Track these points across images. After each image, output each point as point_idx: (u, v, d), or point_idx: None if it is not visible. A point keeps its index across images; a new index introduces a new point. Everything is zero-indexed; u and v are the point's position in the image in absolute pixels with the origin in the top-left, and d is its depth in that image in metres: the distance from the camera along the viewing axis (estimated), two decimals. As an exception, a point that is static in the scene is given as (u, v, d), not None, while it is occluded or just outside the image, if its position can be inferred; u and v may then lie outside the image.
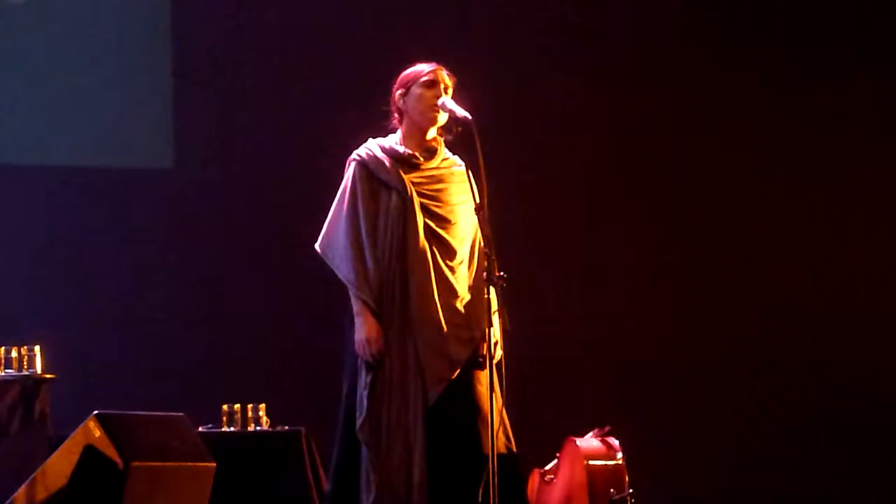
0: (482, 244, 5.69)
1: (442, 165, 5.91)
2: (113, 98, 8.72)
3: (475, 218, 5.70)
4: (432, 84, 5.84)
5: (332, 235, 5.86)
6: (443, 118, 5.85)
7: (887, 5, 9.08)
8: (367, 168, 5.86)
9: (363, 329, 5.72)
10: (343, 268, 5.79)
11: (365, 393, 5.71)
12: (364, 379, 5.72)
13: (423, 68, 5.90)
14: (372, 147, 5.90)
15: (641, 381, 8.75)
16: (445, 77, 5.88)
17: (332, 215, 5.88)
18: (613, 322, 8.82)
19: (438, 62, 5.92)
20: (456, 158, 5.90)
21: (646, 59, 9.04)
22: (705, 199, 8.98)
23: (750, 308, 8.92)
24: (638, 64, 9.03)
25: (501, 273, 5.63)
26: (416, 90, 5.87)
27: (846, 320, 8.87)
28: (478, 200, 5.66)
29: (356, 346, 5.74)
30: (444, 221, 5.84)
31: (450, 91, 5.87)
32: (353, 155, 5.91)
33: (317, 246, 5.89)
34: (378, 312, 5.75)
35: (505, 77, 8.87)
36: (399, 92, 5.91)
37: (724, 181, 8.99)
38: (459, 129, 5.78)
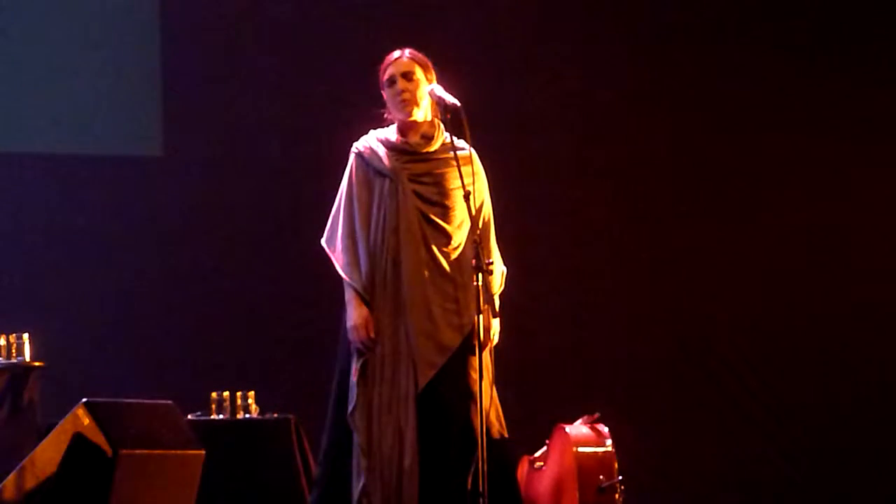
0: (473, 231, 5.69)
1: (440, 150, 5.91)
2: (102, 86, 8.70)
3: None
4: (391, 82, 5.89)
5: (332, 228, 5.92)
6: (418, 108, 5.86)
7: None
8: (363, 158, 5.91)
9: (353, 316, 5.75)
10: (338, 258, 5.84)
11: (355, 379, 5.73)
12: (355, 365, 5.74)
13: (385, 63, 5.94)
14: (369, 138, 5.96)
15: (631, 368, 8.76)
16: (403, 64, 5.89)
17: (334, 209, 5.95)
18: (606, 309, 8.83)
19: (431, 48, 5.94)
20: (457, 142, 5.87)
21: (648, 53, 9.04)
22: (703, 192, 8.98)
23: (743, 298, 8.93)
24: (640, 56, 9.03)
25: (490, 260, 5.65)
26: (385, 91, 5.92)
27: (843, 313, 8.88)
28: (466, 187, 5.66)
29: (347, 332, 5.77)
30: (439, 207, 5.84)
31: (416, 74, 5.87)
32: (353, 147, 5.96)
33: (322, 241, 5.92)
34: (368, 300, 5.77)
35: (503, 67, 8.89)
36: (383, 92, 5.95)
37: (722, 174, 8.99)
38: (448, 115, 5.78)
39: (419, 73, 5.90)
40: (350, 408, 5.72)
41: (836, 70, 9.02)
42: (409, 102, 5.86)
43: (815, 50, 9.05)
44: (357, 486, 5.69)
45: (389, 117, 5.98)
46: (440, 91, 5.83)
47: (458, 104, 5.73)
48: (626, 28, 9.06)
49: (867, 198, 9.00)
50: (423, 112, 5.90)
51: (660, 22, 9.07)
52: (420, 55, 5.94)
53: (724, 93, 9.05)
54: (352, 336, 5.75)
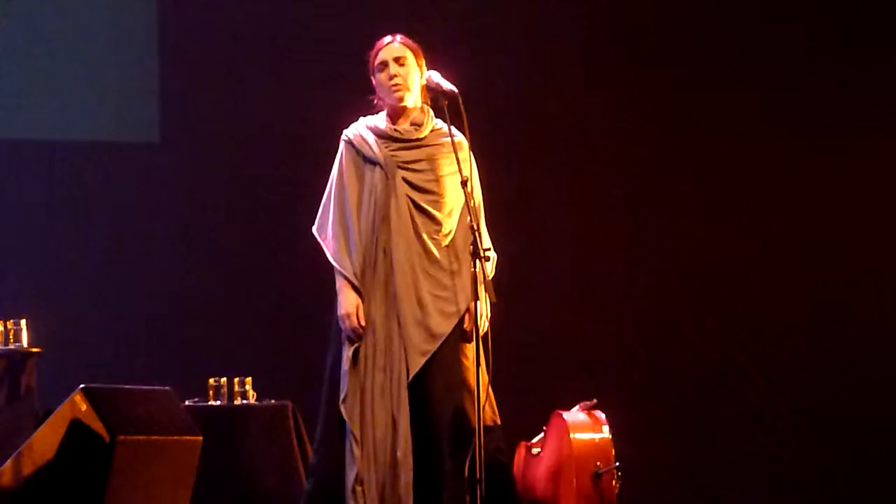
0: (469, 218, 5.69)
1: (430, 137, 5.92)
2: (99, 72, 8.69)
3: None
4: (383, 66, 5.90)
5: (323, 216, 5.93)
6: (410, 94, 5.87)
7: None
8: (353, 146, 5.92)
9: (343, 304, 5.78)
10: (329, 246, 5.85)
11: (346, 367, 5.74)
12: (346, 353, 5.75)
13: (376, 49, 5.95)
14: (359, 126, 5.98)
15: (629, 355, 8.76)
16: (395, 49, 5.91)
17: (325, 197, 5.97)
18: (604, 296, 8.83)
19: (425, 35, 5.95)
20: (446, 128, 5.87)
21: (647, 45, 9.04)
22: (702, 177, 8.97)
23: (743, 285, 8.92)
24: (639, 49, 9.03)
25: (487, 247, 5.65)
26: (376, 76, 5.93)
27: (844, 298, 8.88)
28: (464, 174, 5.67)
29: (338, 320, 5.78)
30: (429, 193, 5.85)
31: (408, 59, 5.89)
32: (343, 135, 5.97)
33: (313, 228, 5.94)
34: (358, 288, 5.78)
35: (501, 51, 8.89)
36: (372, 78, 5.95)
37: (724, 168, 8.97)
38: (446, 102, 5.79)
39: (411, 58, 5.91)
40: (342, 395, 5.73)
41: (832, 67, 9.02)
42: (401, 87, 5.87)
43: (817, 48, 9.06)
44: (350, 474, 5.70)
45: (379, 104, 5.99)
46: (437, 77, 5.84)
47: (456, 90, 5.74)
48: (628, 17, 9.07)
49: (869, 185, 8.99)
50: (413, 98, 5.92)
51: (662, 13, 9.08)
52: (411, 41, 5.95)
53: (733, 89, 9.03)
54: (342, 324, 5.77)
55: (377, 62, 5.92)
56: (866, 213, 8.95)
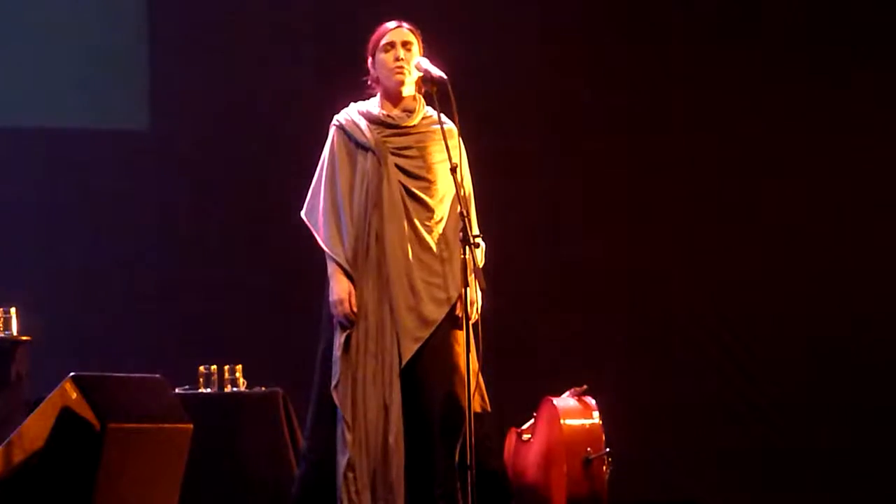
0: (459, 205, 5.70)
1: (422, 124, 5.93)
2: (87, 58, 8.67)
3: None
4: (390, 47, 5.92)
5: (313, 200, 5.94)
6: (409, 80, 5.89)
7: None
8: (345, 131, 5.93)
9: (335, 290, 5.78)
10: (320, 231, 5.85)
11: (338, 353, 5.74)
12: (338, 339, 5.76)
13: (382, 30, 5.95)
14: (350, 111, 5.98)
15: (620, 340, 8.77)
16: (404, 34, 5.94)
17: (315, 182, 5.97)
18: (592, 281, 8.83)
19: (414, 16, 5.96)
20: (437, 116, 5.88)
21: (645, 42, 9.05)
22: (706, 181, 8.98)
23: (732, 270, 8.93)
24: (637, 44, 9.05)
25: (477, 234, 5.66)
26: (379, 56, 5.94)
27: (833, 282, 8.91)
28: (453, 161, 5.67)
29: (330, 306, 5.78)
30: (421, 180, 5.86)
31: (414, 47, 5.92)
32: (334, 120, 5.98)
33: (301, 213, 5.94)
34: (351, 273, 5.79)
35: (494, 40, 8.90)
36: (370, 60, 5.96)
37: (725, 165, 8.99)
38: (435, 88, 5.80)
39: (416, 46, 5.93)
40: (333, 382, 5.74)
41: (833, 67, 9.04)
42: (404, 71, 5.89)
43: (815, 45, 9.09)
44: (342, 460, 5.71)
45: (375, 86, 6.00)
46: (426, 63, 5.85)
47: (445, 77, 5.75)
48: (627, 10, 9.08)
49: (870, 184, 9.01)
50: (410, 85, 5.93)
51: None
52: (415, 29, 5.97)
53: (725, 84, 9.05)
54: (334, 310, 5.77)
55: (384, 42, 5.92)
56: (866, 213, 8.98)
